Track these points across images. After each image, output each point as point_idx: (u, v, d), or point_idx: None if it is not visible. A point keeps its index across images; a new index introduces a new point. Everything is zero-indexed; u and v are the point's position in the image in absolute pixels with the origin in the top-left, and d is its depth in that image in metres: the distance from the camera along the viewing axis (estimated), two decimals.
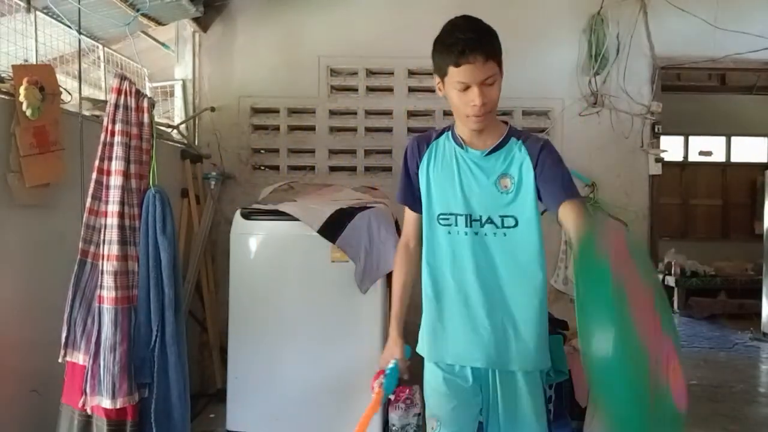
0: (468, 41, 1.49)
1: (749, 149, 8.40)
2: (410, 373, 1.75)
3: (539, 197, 1.61)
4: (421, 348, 1.78)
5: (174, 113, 3.81)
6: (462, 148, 1.64)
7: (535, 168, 1.59)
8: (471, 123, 1.57)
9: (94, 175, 2.21)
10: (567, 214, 1.55)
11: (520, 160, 1.61)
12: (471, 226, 1.62)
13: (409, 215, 1.78)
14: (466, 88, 1.51)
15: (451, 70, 1.51)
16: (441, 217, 1.66)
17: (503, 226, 1.61)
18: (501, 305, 1.63)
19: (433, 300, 1.74)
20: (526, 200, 1.60)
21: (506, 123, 1.68)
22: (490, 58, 1.50)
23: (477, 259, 1.62)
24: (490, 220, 1.62)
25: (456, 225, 1.64)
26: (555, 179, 1.59)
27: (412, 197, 1.73)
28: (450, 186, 1.64)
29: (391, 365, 1.73)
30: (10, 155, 2.13)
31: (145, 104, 2.28)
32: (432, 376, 1.75)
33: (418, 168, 1.70)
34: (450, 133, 1.69)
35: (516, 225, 1.61)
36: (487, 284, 1.63)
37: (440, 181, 1.66)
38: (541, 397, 1.70)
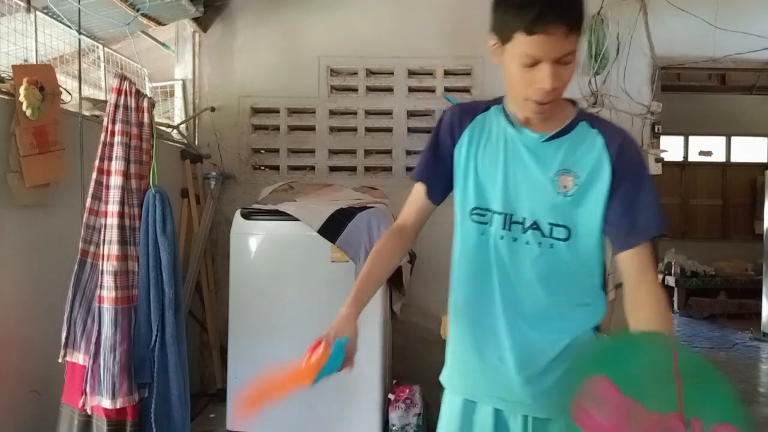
0: (550, 3, 1.11)
1: (749, 149, 8.40)
2: (352, 364, 1.35)
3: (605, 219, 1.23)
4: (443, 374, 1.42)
5: (174, 113, 3.81)
6: (514, 128, 1.28)
7: (613, 172, 1.21)
8: (529, 109, 1.21)
9: (94, 175, 2.22)
10: (631, 278, 1.19)
11: (592, 155, 1.23)
12: (510, 230, 1.26)
13: (417, 196, 1.40)
14: (535, 63, 1.14)
15: (519, 37, 1.13)
16: (475, 211, 1.29)
17: (550, 236, 1.24)
18: (521, 336, 1.25)
19: (453, 317, 1.38)
20: (588, 209, 1.22)
21: (573, 102, 1.31)
22: (575, 30, 1.13)
23: (507, 273, 1.26)
24: (535, 226, 1.24)
25: (491, 225, 1.27)
26: (632, 203, 1.20)
27: (432, 178, 1.37)
28: (491, 174, 1.28)
29: (338, 341, 1.34)
30: (10, 155, 2.13)
31: (145, 104, 2.28)
32: (447, 408, 1.38)
33: (454, 145, 1.33)
34: (501, 107, 1.33)
35: (567, 238, 1.23)
36: (512, 307, 1.26)
37: (481, 166, 1.30)
38: None
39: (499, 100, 1.36)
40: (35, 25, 2.54)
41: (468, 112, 1.36)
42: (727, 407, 1.01)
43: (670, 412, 0.98)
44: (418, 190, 1.40)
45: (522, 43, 1.13)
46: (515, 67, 1.17)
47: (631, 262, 1.21)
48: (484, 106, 1.37)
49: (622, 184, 1.21)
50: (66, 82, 2.65)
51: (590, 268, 1.28)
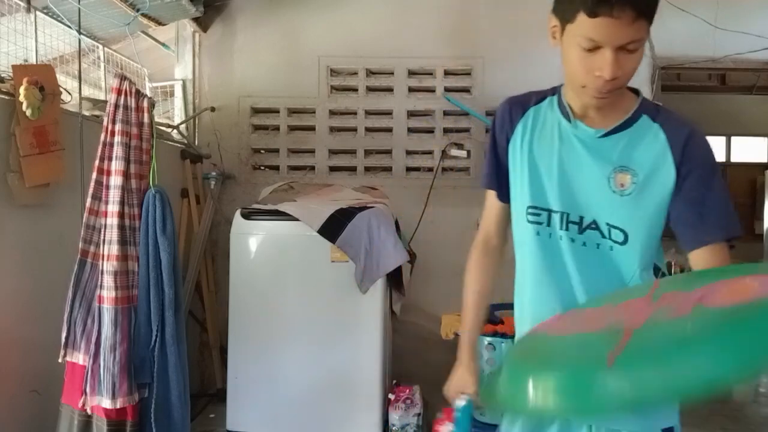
0: None
1: (749, 149, 8.41)
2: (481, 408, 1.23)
3: (668, 218, 1.15)
4: None
5: (174, 113, 3.81)
6: (569, 122, 1.20)
7: (678, 170, 1.12)
8: (587, 97, 1.13)
9: (94, 175, 2.22)
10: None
11: (653, 153, 1.14)
12: (567, 230, 1.18)
13: (491, 205, 1.34)
14: (596, 48, 1.05)
15: (581, 18, 1.04)
16: (530, 210, 1.22)
17: (609, 238, 1.15)
18: None
19: (519, 323, 1.30)
20: (647, 208, 1.14)
21: (636, 93, 1.21)
22: (643, 15, 1.03)
23: (565, 274, 1.19)
24: (594, 226, 1.16)
25: (548, 225, 1.20)
26: (701, 202, 1.11)
27: (498, 180, 1.30)
28: (546, 171, 1.21)
29: (462, 403, 1.26)
30: (10, 155, 2.13)
31: (145, 104, 2.28)
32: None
33: (508, 141, 1.27)
34: (555, 98, 1.25)
35: (624, 242, 1.15)
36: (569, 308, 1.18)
37: (535, 162, 1.22)
38: None
39: (554, 90, 1.28)
40: (35, 25, 2.54)
41: (519, 105, 1.29)
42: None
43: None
44: (490, 196, 1.35)
45: (584, 26, 1.04)
46: (575, 52, 1.08)
47: (706, 263, 1.11)
48: (538, 98, 1.29)
49: (688, 183, 1.12)
50: (66, 82, 2.65)
51: (648, 273, 1.19)
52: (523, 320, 1.27)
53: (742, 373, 0.76)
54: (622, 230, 1.15)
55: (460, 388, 1.28)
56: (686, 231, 1.13)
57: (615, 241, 1.15)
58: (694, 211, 1.12)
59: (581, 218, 1.17)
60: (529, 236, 1.22)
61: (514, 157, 1.26)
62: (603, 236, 1.16)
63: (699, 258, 1.12)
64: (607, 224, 1.15)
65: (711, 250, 1.11)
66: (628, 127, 1.16)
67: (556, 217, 1.19)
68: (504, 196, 1.31)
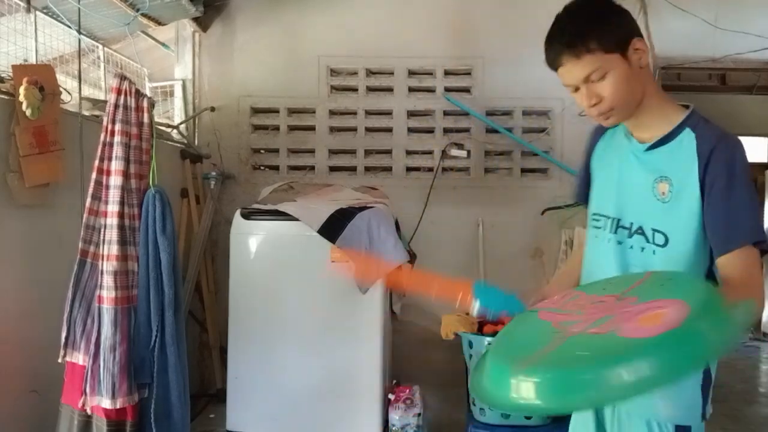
0: (551, 44, 1.25)
1: (749, 149, 8.35)
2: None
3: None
4: None
5: (174, 113, 3.81)
6: (627, 138, 1.35)
7: (703, 176, 1.21)
8: (601, 122, 1.33)
9: (93, 175, 2.21)
10: (727, 286, 1.17)
11: (685, 161, 1.24)
12: (616, 233, 1.32)
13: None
14: (576, 89, 1.28)
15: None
16: (594, 216, 1.39)
17: (653, 242, 1.27)
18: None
19: None
20: (682, 214, 1.23)
21: (688, 108, 1.31)
22: (584, 53, 1.20)
23: (611, 273, 1.30)
24: (641, 231, 1.28)
25: (604, 229, 1.35)
26: (721, 209, 1.20)
27: (585, 194, 1.47)
28: (607, 182, 1.37)
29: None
30: (10, 155, 2.13)
31: (145, 104, 2.28)
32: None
33: (590, 158, 1.45)
34: None
35: (665, 244, 1.25)
36: None
37: (602, 175, 1.41)
38: None
39: None
40: (35, 25, 2.54)
41: (601, 128, 1.43)
42: (686, 292, 1.02)
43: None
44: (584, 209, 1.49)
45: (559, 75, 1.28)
46: None
47: (727, 271, 1.19)
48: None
49: (713, 192, 1.20)
50: (66, 82, 2.65)
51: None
52: None
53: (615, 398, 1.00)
54: (663, 234, 1.26)
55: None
56: (712, 239, 1.22)
57: (657, 245, 1.26)
58: (716, 220, 1.20)
59: (631, 224, 1.30)
60: (591, 239, 1.39)
61: (593, 173, 1.44)
62: (647, 240, 1.27)
63: (722, 264, 1.20)
64: (652, 229, 1.27)
65: (734, 258, 1.19)
66: (671, 139, 1.27)
67: (608, 223, 1.34)
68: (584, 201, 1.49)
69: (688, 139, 1.25)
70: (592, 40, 1.20)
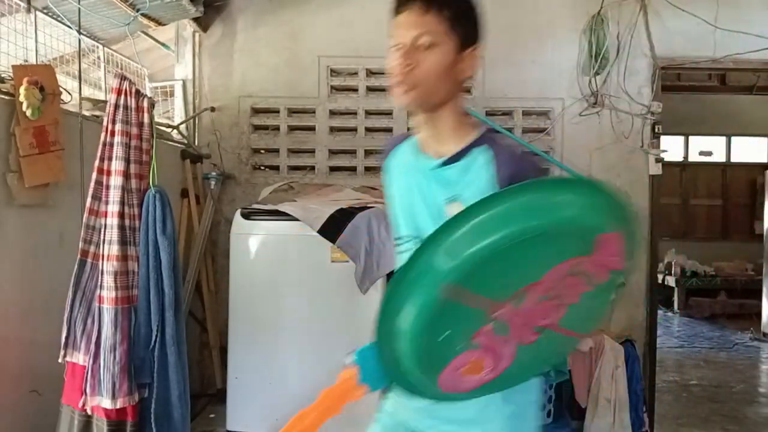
0: None
1: (749, 149, 8.41)
2: None
3: None
4: None
5: (174, 113, 3.81)
6: (416, 155, 1.27)
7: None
8: (393, 96, 1.21)
9: (94, 175, 2.22)
10: None
11: (479, 178, 1.16)
12: None
13: None
14: (399, 47, 1.20)
15: (392, 21, 1.23)
16: (396, 241, 1.33)
17: None
18: None
19: None
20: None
21: (482, 126, 1.27)
22: (433, 8, 1.15)
23: None
24: None
25: (405, 252, 1.28)
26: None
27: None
28: (404, 204, 1.29)
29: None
30: (10, 155, 2.14)
31: (145, 104, 2.28)
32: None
33: (384, 178, 1.39)
34: (415, 136, 1.32)
35: None
36: None
37: (396, 198, 1.33)
38: None
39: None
40: (35, 25, 2.54)
41: (389, 146, 1.37)
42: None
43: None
44: None
45: (390, 27, 1.20)
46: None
47: None
48: (403, 138, 1.36)
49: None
50: (66, 82, 2.65)
51: None
52: None
53: None
54: None
55: None
56: None
57: None
58: None
59: None
60: (398, 260, 1.33)
61: (386, 191, 1.36)
62: None
63: None
64: None
65: None
66: (462, 156, 1.19)
67: (408, 244, 1.26)
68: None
69: (483, 157, 1.17)
70: (449, 9, 1.16)
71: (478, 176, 1.16)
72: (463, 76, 1.21)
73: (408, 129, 3.74)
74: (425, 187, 1.23)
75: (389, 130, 3.76)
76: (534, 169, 1.20)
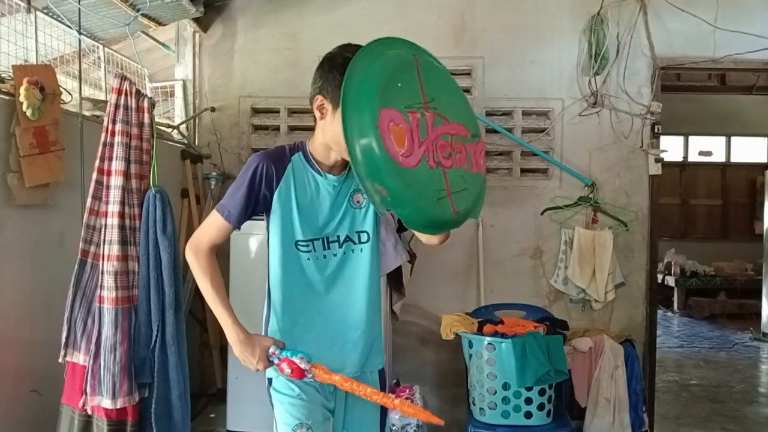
0: None
1: (749, 149, 8.41)
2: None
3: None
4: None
5: (174, 113, 3.81)
6: (321, 175, 1.63)
7: None
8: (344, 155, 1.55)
9: (94, 175, 2.22)
10: None
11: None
12: (329, 248, 1.62)
13: (221, 224, 1.65)
14: None
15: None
16: (301, 243, 1.60)
17: (359, 242, 1.63)
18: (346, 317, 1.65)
19: (289, 320, 1.66)
20: (370, 212, 1.64)
21: None
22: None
23: (334, 281, 1.62)
24: (348, 239, 1.62)
25: (315, 250, 1.61)
26: None
27: (240, 218, 1.63)
28: (312, 213, 1.61)
29: (278, 351, 1.56)
30: (10, 155, 2.14)
31: (146, 104, 2.28)
32: (286, 388, 1.63)
33: (272, 192, 1.60)
34: (302, 155, 1.66)
35: (368, 240, 1.63)
36: (345, 299, 1.63)
37: (301, 209, 1.60)
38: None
39: (296, 149, 1.67)
40: (35, 26, 2.55)
41: (279, 163, 1.62)
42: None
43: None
44: (221, 220, 1.64)
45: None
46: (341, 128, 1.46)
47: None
48: (288, 156, 1.65)
49: None
50: (66, 82, 2.65)
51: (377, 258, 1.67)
52: (294, 327, 1.64)
53: None
54: (366, 232, 1.64)
55: (266, 349, 1.58)
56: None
57: (362, 242, 1.63)
58: None
59: (338, 237, 1.62)
60: (300, 260, 1.61)
61: (277, 205, 1.60)
62: (354, 243, 1.63)
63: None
64: (356, 232, 1.63)
65: None
66: (349, 169, 1.60)
67: (318, 243, 1.61)
68: (238, 226, 1.66)
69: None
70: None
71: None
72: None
73: None
74: (333, 197, 1.62)
75: None
76: None
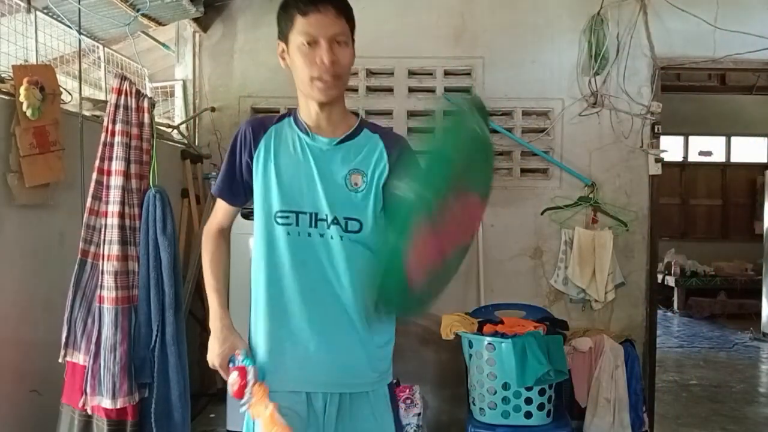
0: None
1: (749, 149, 8.41)
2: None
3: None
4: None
5: (174, 113, 3.81)
6: (308, 135, 1.42)
7: (391, 166, 1.40)
8: (317, 91, 1.37)
9: (94, 175, 2.22)
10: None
11: (374, 155, 1.42)
12: (316, 227, 1.39)
13: (219, 203, 1.58)
14: (314, 42, 1.35)
15: (298, 21, 1.37)
16: (279, 214, 1.41)
17: (347, 230, 1.38)
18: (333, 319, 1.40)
19: (269, 313, 1.46)
20: (376, 203, 1.40)
21: (356, 114, 1.54)
22: (343, 14, 1.36)
23: (318, 265, 1.39)
24: (336, 221, 1.38)
25: (297, 225, 1.39)
26: (413, 163, 1.35)
27: (231, 191, 1.52)
28: (295, 179, 1.40)
29: (241, 357, 1.42)
30: (10, 155, 2.14)
31: (146, 104, 2.28)
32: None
33: (252, 158, 1.45)
34: (292, 118, 1.47)
35: (360, 230, 1.39)
36: (325, 296, 1.40)
37: (281, 174, 1.41)
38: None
39: (290, 112, 1.50)
40: (35, 26, 2.55)
41: (260, 126, 1.49)
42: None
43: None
44: (219, 201, 1.58)
45: (301, 25, 1.36)
46: (299, 56, 1.37)
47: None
48: (276, 119, 1.49)
49: (400, 163, 1.38)
50: (66, 82, 2.65)
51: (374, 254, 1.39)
52: (261, 313, 1.46)
53: None
54: (358, 221, 1.39)
55: (233, 348, 1.44)
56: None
57: (352, 231, 1.38)
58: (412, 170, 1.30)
59: (326, 215, 1.38)
60: (279, 237, 1.41)
61: (257, 171, 1.44)
62: (343, 229, 1.38)
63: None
64: (345, 218, 1.38)
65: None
66: (353, 137, 1.44)
67: (304, 218, 1.39)
68: (234, 201, 1.55)
69: (373, 139, 1.44)
70: (350, 14, 1.40)
71: (371, 153, 1.42)
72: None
73: (408, 129, 3.74)
74: (321, 163, 1.40)
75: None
76: (408, 143, 1.47)
